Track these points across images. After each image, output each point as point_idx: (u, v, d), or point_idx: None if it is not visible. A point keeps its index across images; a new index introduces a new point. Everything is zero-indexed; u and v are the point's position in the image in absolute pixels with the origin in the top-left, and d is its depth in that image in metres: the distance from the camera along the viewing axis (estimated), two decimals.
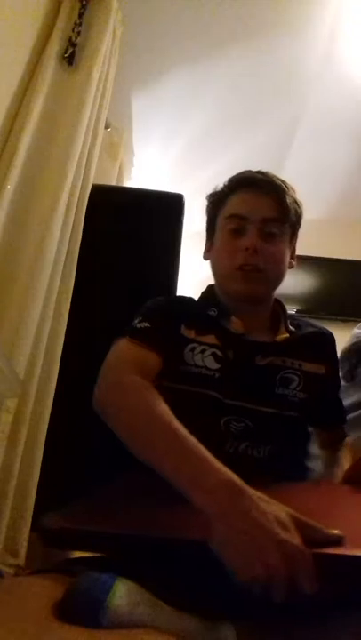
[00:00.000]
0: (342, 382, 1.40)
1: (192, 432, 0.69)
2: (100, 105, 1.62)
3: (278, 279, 0.94)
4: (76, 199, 1.42)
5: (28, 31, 1.46)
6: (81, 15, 1.57)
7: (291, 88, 2.41)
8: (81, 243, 1.42)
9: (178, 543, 0.47)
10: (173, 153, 2.77)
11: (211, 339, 0.88)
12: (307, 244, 3.90)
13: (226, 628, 0.43)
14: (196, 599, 0.46)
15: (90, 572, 0.43)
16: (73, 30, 1.54)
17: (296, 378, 0.88)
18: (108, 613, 0.39)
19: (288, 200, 0.92)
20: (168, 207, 1.49)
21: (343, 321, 2.94)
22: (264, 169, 0.96)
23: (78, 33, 1.54)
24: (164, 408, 0.66)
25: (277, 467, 0.79)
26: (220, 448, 0.76)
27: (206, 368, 0.84)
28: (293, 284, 3.20)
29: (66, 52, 1.51)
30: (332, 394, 0.99)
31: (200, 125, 2.60)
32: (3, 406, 1.08)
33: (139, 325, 0.86)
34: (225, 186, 0.97)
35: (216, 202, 0.97)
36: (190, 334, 0.88)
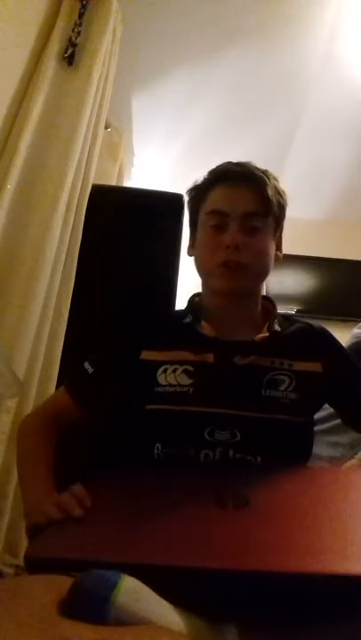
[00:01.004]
0: None
1: (181, 446, 0.79)
2: (100, 105, 1.63)
3: (263, 273, 0.91)
4: (76, 199, 1.42)
5: (28, 31, 1.47)
6: (81, 15, 1.57)
7: (291, 88, 2.41)
8: (81, 243, 1.42)
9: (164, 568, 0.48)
10: (173, 153, 2.77)
11: (181, 355, 0.86)
12: (307, 243, 3.92)
13: (228, 629, 0.43)
14: (200, 599, 0.46)
15: (94, 570, 0.42)
16: (73, 30, 1.54)
17: (286, 379, 0.85)
18: (113, 610, 0.39)
19: (270, 192, 0.88)
20: (168, 207, 1.49)
21: (343, 321, 2.94)
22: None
23: (78, 33, 1.54)
24: (38, 451, 0.84)
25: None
26: (208, 456, 0.77)
27: (180, 385, 0.83)
28: (293, 284, 3.20)
29: (66, 52, 1.51)
30: (354, 385, 0.92)
31: (200, 125, 2.60)
32: (3, 406, 1.08)
33: (80, 372, 0.90)
34: (205, 180, 0.93)
35: (196, 197, 0.94)
36: (157, 356, 0.87)
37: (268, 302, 0.97)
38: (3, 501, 1.11)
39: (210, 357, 0.85)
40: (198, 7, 1.99)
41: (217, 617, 0.44)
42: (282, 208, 0.93)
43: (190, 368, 0.84)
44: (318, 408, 0.92)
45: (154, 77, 2.29)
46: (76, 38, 1.53)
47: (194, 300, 0.97)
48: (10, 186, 1.25)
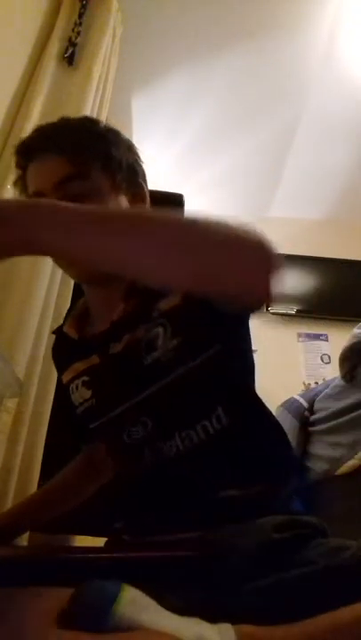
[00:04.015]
0: (342, 382, 1.41)
1: (124, 460, 0.73)
2: (100, 105, 1.63)
3: None
4: None
5: (28, 31, 1.47)
6: (81, 15, 1.57)
7: (291, 88, 2.41)
8: None
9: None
10: (173, 153, 2.77)
11: (78, 366, 0.78)
12: (307, 244, 3.92)
13: (226, 631, 0.43)
14: (197, 602, 0.46)
15: (95, 580, 0.42)
16: (73, 30, 1.54)
17: (160, 329, 0.70)
18: (114, 621, 0.39)
19: (80, 143, 0.72)
20: (168, 207, 1.49)
21: (343, 321, 2.94)
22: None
23: (78, 33, 1.54)
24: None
25: (223, 446, 0.66)
26: (140, 462, 0.69)
27: (85, 401, 0.76)
28: (293, 284, 3.20)
29: (66, 52, 1.51)
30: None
31: (200, 125, 2.60)
32: (3, 406, 1.08)
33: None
34: (17, 164, 0.78)
35: (23, 188, 0.78)
36: (66, 378, 0.80)
37: None
38: (3, 502, 1.11)
39: (95, 359, 0.75)
40: (198, 7, 1.99)
41: (214, 618, 0.44)
42: (106, 152, 0.75)
43: (86, 378, 0.76)
44: (213, 336, 0.71)
45: (154, 77, 2.29)
46: (76, 38, 1.53)
47: (77, 304, 0.87)
48: (10, 186, 1.25)
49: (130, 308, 0.73)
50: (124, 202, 0.76)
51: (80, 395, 0.77)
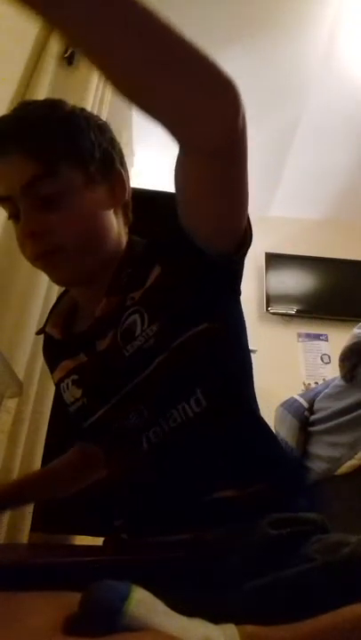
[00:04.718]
0: (342, 382, 1.41)
1: (118, 458, 0.72)
2: (100, 105, 1.63)
3: (92, 241, 0.69)
4: None
5: (28, 31, 1.47)
6: None
7: (291, 88, 2.42)
8: None
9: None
10: (173, 153, 2.76)
11: (67, 364, 0.75)
12: (307, 244, 3.93)
13: (230, 631, 0.43)
14: (198, 602, 0.46)
15: (105, 581, 0.42)
16: None
17: (137, 316, 0.67)
18: (125, 621, 0.39)
19: (42, 136, 0.65)
20: (168, 207, 1.49)
21: (343, 321, 2.94)
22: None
23: None
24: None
25: (215, 423, 0.65)
26: (137, 454, 0.67)
27: (77, 400, 0.74)
28: (293, 284, 3.20)
29: (66, 52, 1.51)
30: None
31: None
32: (3, 406, 1.08)
33: None
34: None
35: None
36: (56, 377, 0.79)
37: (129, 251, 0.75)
38: None
39: (83, 357, 0.73)
40: (198, 8, 1.99)
41: (214, 618, 0.44)
42: (75, 142, 0.68)
43: (75, 377, 0.74)
44: (197, 315, 0.68)
45: None
46: None
47: (61, 300, 0.84)
48: None
49: (113, 304, 0.70)
50: (101, 194, 0.70)
51: (71, 394, 0.75)
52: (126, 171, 0.76)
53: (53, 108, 0.69)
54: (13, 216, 0.69)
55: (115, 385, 0.68)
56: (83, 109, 0.72)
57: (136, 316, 0.67)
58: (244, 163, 0.56)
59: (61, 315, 0.81)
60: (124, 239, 0.77)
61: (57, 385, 0.79)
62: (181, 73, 0.47)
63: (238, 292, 0.74)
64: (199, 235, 0.64)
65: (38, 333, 0.87)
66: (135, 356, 0.66)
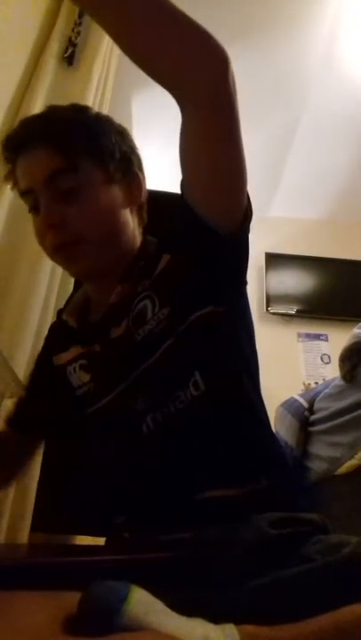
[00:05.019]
0: (342, 382, 1.41)
1: (113, 446, 0.72)
2: (100, 105, 1.63)
3: (110, 235, 0.72)
4: None
5: (28, 31, 1.46)
6: (81, 15, 1.57)
7: (291, 88, 2.42)
8: None
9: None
10: (174, 153, 2.76)
11: (76, 349, 0.77)
12: (307, 244, 3.92)
13: (230, 631, 0.43)
14: (198, 602, 0.46)
15: (104, 581, 0.42)
16: (73, 30, 1.54)
17: (147, 301, 0.69)
18: (124, 621, 0.39)
19: (67, 135, 0.70)
20: (168, 207, 1.49)
21: (343, 321, 2.94)
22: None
23: (78, 33, 1.54)
24: None
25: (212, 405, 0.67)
26: (142, 433, 0.68)
27: (83, 385, 0.75)
28: (293, 284, 3.20)
29: (66, 52, 1.51)
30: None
31: None
32: (2, 406, 1.08)
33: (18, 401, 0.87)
34: (6, 159, 0.75)
35: (14, 183, 0.76)
36: (62, 360, 0.80)
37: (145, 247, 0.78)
38: (3, 502, 1.11)
39: (96, 347, 0.75)
40: (198, 8, 1.99)
41: (214, 618, 0.44)
42: (97, 143, 0.72)
43: (84, 362, 0.76)
44: (204, 298, 0.70)
45: None
46: (75, 38, 1.53)
47: (76, 294, 0.86)
48: (10, 187, 1.25)
49: (126, 291, 0.72)
50: (118, 192, 0.74)
51: (78, 378, 0.76)
52: (143, 175, 0.80)
53: (79, 111, 0.75)
54: (33, 209, 0.72)
55: (124, 371, 0.70)
56: (107, 116, 0.79)
57: (147, 301, 0.70)
58: (237, 118, 0.62)
59: (77, 306, 0.83)
60: (139, 239, 0.79)
61: (62, 367, 0.80)
62: (178, 36, 0.57)
63: (244, 281, 0.76)
64: (202, 205, 0.66)
65: (57, 314, 0.88)
66: (146, 340, 0.68)
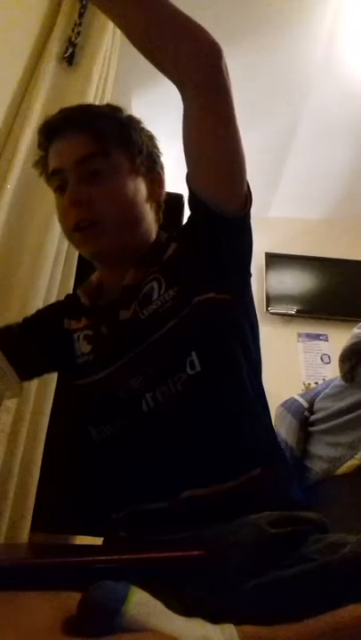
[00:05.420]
0: (342, 382, 1.41)
1: (111, 420, 0.72)
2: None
3: (128, 222, 0.77)
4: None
5: (28, 31, 1.46)
6: (81, 15, 1.57)
7: (291, 88, 2.42)
8: None
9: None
10: (174, 153, 2.76)
11: (83, 321, 0.80)
12: (307, 244, 3.92)
13: (229, 632, 0.43)
14: (197, 602, 0.46)
15: (104, 582, 0.42)
16: (73, 30, 1.54)
17: (154, 283, 0.73)
18: (123, 622, 0.39)
19: (103, 124, 0.76)
20: (168, 207, 1.49)
21: (343, 321, 2.94)
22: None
23: (78, 33, 1.54)
24: None
25: (211, 385, 0.68)
26: (140, 409, 0.69)
27: (83, 354, 0.77)
28: (293, 284, 3.21)
29: (66, 52, 1.51)
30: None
31: None
32: (3, 406, 1.08)
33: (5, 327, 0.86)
34: (39, 144, 0.81)
35: (43, 168, 0.81)
36: (72, 325, 0.82)
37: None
38: (3, 502, 1.11)
39: (104, 328, 0.78)
40: (198, 7, 1.99)
41: (214, 618, 0.44)
42: (130, 138, 0.79)
43: (89, 332, 0.78)
44: (208, 283, 0.73)
45: (154, 77, 2.28)
46: (75, 38, 1.53)
47: (90, 279, 0.90)
48: (10, 186, 1.25)
49: (139, 275, 0.76)
50: (141, 185, 0.79)
51: (81, 346, 0.79)
52: (164, 177, 0.87)
53: (113, 108, 0.83)
54: (59, 188, 0.77)
55: (124, 348, 0.72)
56: (138, 118, 0.86)
57: (154, 283, 0.73)
58: (233, 104, 0.69)
59: (91, 287, 0.86)
60: (154, 235, 0.83)
61: (71, 331, 0.82)
62: (177, 30, 0.67)
63: (248, 271, 0.80)
64: (207, 190, 0.71)
65: (67, 296, 0.92)
66: (150, 319, 0.71)
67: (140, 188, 0.79)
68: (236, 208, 0.71)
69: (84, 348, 0.78)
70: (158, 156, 0.86)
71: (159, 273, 0.74)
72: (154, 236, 0.82)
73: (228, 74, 0.68)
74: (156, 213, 0.85)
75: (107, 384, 0.74)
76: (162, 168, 0.86)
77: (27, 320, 0.89)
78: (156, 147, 0.86)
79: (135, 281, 0.76)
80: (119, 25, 0.69)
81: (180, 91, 0.70)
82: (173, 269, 0.74)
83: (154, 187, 0.83)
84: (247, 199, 0.72)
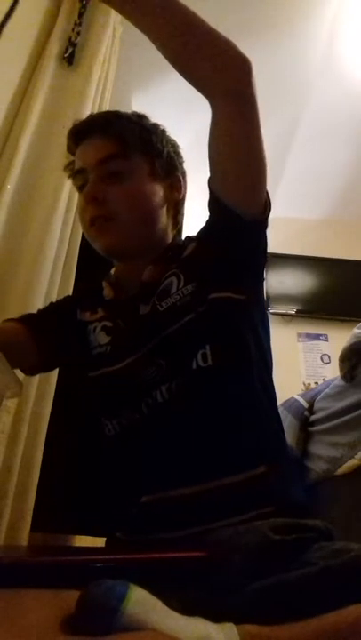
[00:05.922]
0: (342, 382, 1.41)
1: (120, 414, 0.74)
2: (100, 105, 1.62)
3: (142, 221, 0.80)
4: (77, 199, 1.42)
5: (28, 31, 1.46)
6: (81, 15, 1.57)
7: (291, 88, 2.42)
8: (81, 242, 1.42)
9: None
10: None
11: (100, 313, 0.82)
12: (307, 243, 3.91)
13: (230, 631, 0.43)
14: (198, 602, 0.46)
15: (103, 580, 0.42)
16: (73, 30, 1.54)
17: (174, 278, 0.76)
18: (123, 620, 0.39)
19: (125, 129, 0.80)
20: None
21: (343, 321, 2.94)
22: (129, 112, 0.90)
23: (78, 33, 1.54)
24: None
25: (221, 380, 0.70)
26: (149, 405, 0.71)
27: (100, 346, 0.79)
28: (293, 284, 3.20)
29: (66, 52, 1.51)
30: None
31: (200, 126, 2.59)
32: (3, 406, 1.08)
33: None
34: (68, 149, 0.86)
35: (71, 171, 0.86)
36: (87, 317, 0.84)
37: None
38: (3, 502, 1.11)
39: (120, 322, 0.80)
40: (198, 7, 1.99)
41: (215, 618, 0.44)
42: (150, 143, 0.83)
43: (108, 324, 0.80)
44: (225, 282, 0.76)
45: (154, 77, 2.29)
46: (75, 38, 1.53)
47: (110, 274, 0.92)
48: (10, 186, 1.25)
49: (158, 272, 0.78)
50: (159, 188, 0.82)
51: (98, 337, 0.80)
52: (185, 183, 0.89)
53: (140, 116, 0.87)
54: (80, 187, 0.82)
55: (142, 341, 0.74)
56: (164, 128, 0.90)
57: (173, 278, 0.76)
58: (257, 113, 0.72)
59: (112, 281, 0.88)
60: (170, 237, 0.86)
61: (85, 323, 0.84)
62: (208, 45, 0.70)
63: (262, 275, 0.82)
64: (230, 194, 0.73)
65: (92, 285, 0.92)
66: (167, 312, 0.74)
67: (158, 191, 0.82)
68: (255, 212, 0.73)
69: (102, 339, 0.79)
70: (180, 163, 0.89)
71: (178, 269, 0.77)
72: (169, 238, 0.85)
73: (255, 87, 0.73)
74: (173, 217, 0.87)
75: (121, 375, 0.75)
76: (183, 174, 0.89)
77: (42, 311, 0.91)
78: (177, 153, 0.89)
79: (154, 278, 0.78)
80: (157, 45, 0.72)
81: (209, 98, 0.72)
82: (192, 266, 0.77)
83: (172, 191, 0.85)
84: (266, 205, 0.75)
